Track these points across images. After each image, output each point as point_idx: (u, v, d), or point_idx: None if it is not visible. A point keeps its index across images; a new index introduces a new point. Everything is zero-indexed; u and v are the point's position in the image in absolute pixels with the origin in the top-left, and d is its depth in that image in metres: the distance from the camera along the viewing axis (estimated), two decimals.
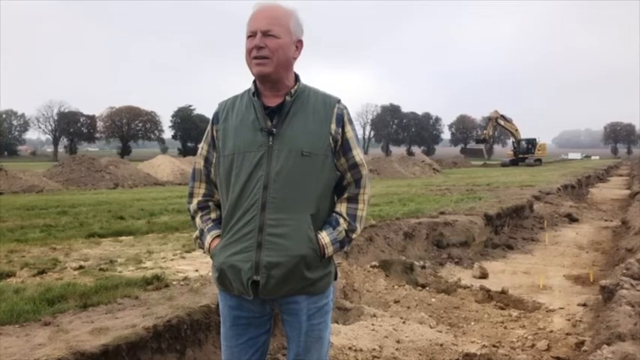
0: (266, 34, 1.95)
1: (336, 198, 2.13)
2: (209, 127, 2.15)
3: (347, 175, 2.10)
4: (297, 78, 2.08)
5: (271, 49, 1.95)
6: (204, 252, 2.19)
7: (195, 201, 2.18)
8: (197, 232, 2.16)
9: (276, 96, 2.04)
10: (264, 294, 1.98)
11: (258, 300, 2.02)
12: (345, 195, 2.11)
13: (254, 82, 2.08)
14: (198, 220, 2.16)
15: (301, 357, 2.09)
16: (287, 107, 2.01)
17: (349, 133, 2.08)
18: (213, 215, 2.15)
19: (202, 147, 2.17)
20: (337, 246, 2.05)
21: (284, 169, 1.95)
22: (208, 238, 2.10)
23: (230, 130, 2.05)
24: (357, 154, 2.11)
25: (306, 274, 1.98)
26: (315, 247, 1.99)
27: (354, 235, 2.10)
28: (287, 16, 2.01)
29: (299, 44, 2.06)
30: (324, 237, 2.01)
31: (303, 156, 1.96)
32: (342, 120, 2.06)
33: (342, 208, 2.09)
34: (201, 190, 2.17)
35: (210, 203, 2.17)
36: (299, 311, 2.04)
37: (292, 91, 2.03)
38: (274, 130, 1.98)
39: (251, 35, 1.98)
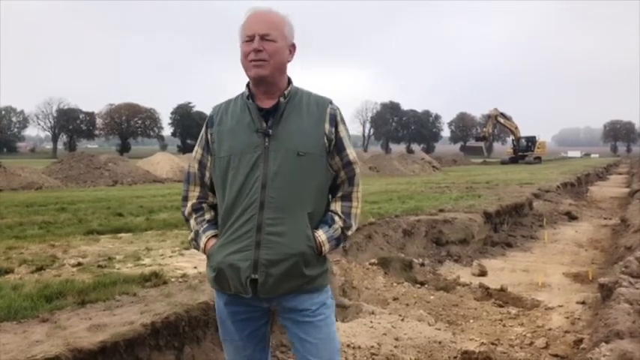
0: (264, 37, 1.99)
1: (330, 197, 2.16)
2: (203, 131, 2.17)
3: (340, 174, 2.14)
4: (289, 81, 2.12)
5: (269, 53, 2.00)
6: (201, 252, 2.19)
7: (189, 204, 2.19)
8: (192, 234, 2.17)
9: (270, 98, 2.07)
10: (263, 293, 1.99)
11: (255, 297, 2.02)
12: (339, 193, 2.15)
13: (247, 85, 2.11)
14: (192, 222, 2.17)
15: (311, 357, 2.07)
16: (281, 108, 2.05)
17: (342, 133, 2.13)
18: (207, 216, 2.16)
19: (196, 151, 2.19)
20: (333, 243, 2.09)
21: (281, 169, 1.98)
22: (204, 239, 2.11)
23: (225, 133, 2.07)
24: (351, 152, 2.15)
25: (304, 271, 2.00)
26: (313, 245, 2.02)
27: (349, 233, 2.14)
28: (282, 22, 2.06)
29: (292, 48, 2.11)
30: (321, 235, 2.05)
31: (299, 156, 2.00)
32: (335, 120, 2.11)
33: (336, 206, 2.13)
34: (195, 193, 2.18)
35: (204, 205, 2.18)
36: (299, 309, 2.05)
37: (285, 92, 2.07)
38: (270, 131, 2.01)
39: (248, 39, 2.01)
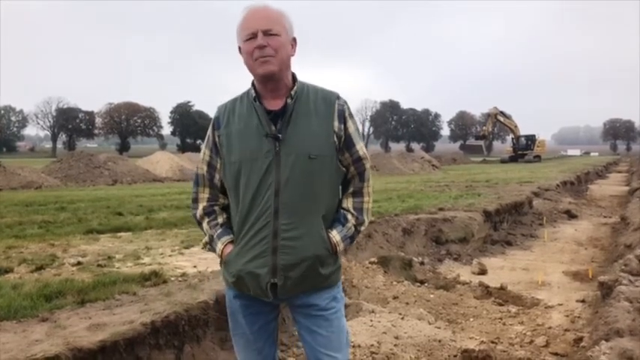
0: (267, 33, 1.95)
1: (340, 192, 2.14)
2: (210, 132, 2.13)
3: (350, 169, 2.12)
4: (294, 77, 2.09)
5: (274, 47, 1.96)
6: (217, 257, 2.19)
7: (200, 207, 2.17)
8: (206, 238, 2.17)
9: (277, 97, 2.03)
10: (282, 294, 2.01)
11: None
12: (350, 189, 2.14)
13: (252, 85, 2.06)
14: (205, 226, 2.16)
15: (322, 349, 2.09)
16: (289, 110, 2.01)
17: (351, 128, 2.10)
18: (220, 220, 2.15)
19: (204, 152, 2.15)
20: (348, 242, 2.10)
21: (293, 174, 1.96)
22: (220, 245, 2.10)
23: (234, 136, 2.03)
24: (361, 147, 2.13)
25: (320, 271, 2.02)
26: (328, 246, 2.03)
27: (362, 228, 2.15)
28: (281, 16, 2.03)
29: (293, 42, 2.07)
30: (335, 235, 2.06)
31: (311, 159, 1.98)
32: (343, 116, 2.07)
33: (348, 203, 2.12)
34: (205, 195, 2.16)
35: (216, 207, 2.16)
36: (311, 304, 2.07)
37: (292, 92, 2.03)
38: (280, 135, 1.98)
39: (251, 37, 1.97)
